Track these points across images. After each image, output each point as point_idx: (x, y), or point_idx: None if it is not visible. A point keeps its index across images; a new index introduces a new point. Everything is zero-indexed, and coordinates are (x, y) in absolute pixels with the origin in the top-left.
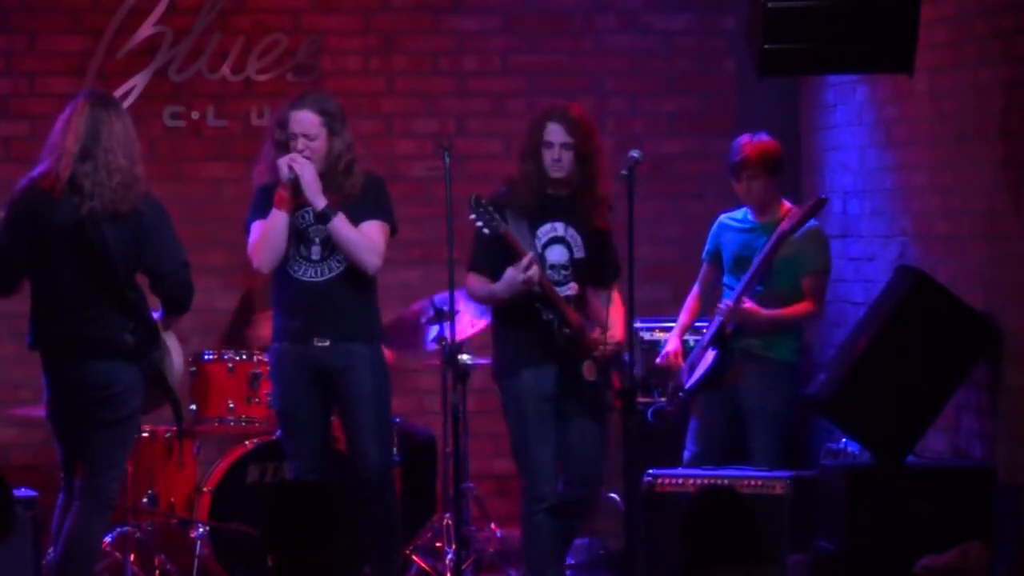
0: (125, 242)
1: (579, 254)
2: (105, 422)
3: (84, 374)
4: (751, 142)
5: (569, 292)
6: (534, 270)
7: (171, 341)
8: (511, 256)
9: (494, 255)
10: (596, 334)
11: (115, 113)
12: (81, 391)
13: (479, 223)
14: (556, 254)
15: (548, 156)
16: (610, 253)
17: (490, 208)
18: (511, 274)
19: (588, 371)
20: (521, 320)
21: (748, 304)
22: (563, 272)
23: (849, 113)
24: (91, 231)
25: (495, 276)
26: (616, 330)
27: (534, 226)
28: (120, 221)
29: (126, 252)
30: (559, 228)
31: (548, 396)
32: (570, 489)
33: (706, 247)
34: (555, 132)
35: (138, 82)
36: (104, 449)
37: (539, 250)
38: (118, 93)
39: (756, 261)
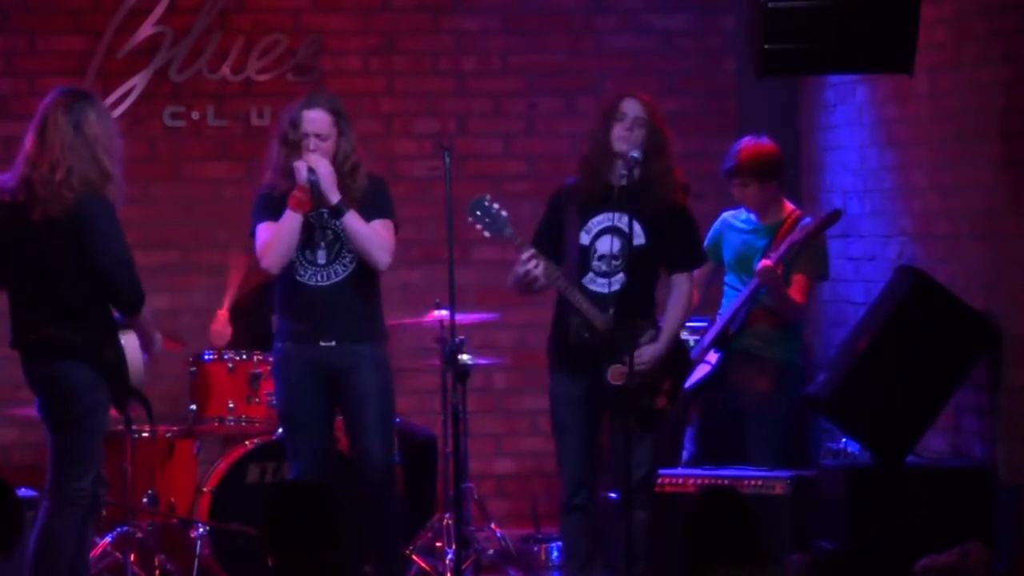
0: (61, 244)
1: (639, 241)
2: (59, 421)
3: (36, 375)
4: (745, 147)
5: (615, 287)
6: (529, 265)
7: (127, 340)
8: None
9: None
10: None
11: (65, 110)
12: (37, 391)
13: (478, 225)
14: (604, 245)
15: (619, 128)
16: (686, 236)
17: (491, 211)
18: (515, 268)
19: (613, 376)
20: (556, 321)
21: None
22: (613, 263)
23: (849, 113)
24: (35, 234)
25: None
26: (664, 336)
27: (587, 217)
28: (58, 221)
29: (63, 253)
30: (614, 218)
31: (576, 401)
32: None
33: (704, 242)
34: (631, 107)
35: (138, 82)
36: (62, 447)
37: (587, 243)
38: (118, 93)
39: (773, 258)
